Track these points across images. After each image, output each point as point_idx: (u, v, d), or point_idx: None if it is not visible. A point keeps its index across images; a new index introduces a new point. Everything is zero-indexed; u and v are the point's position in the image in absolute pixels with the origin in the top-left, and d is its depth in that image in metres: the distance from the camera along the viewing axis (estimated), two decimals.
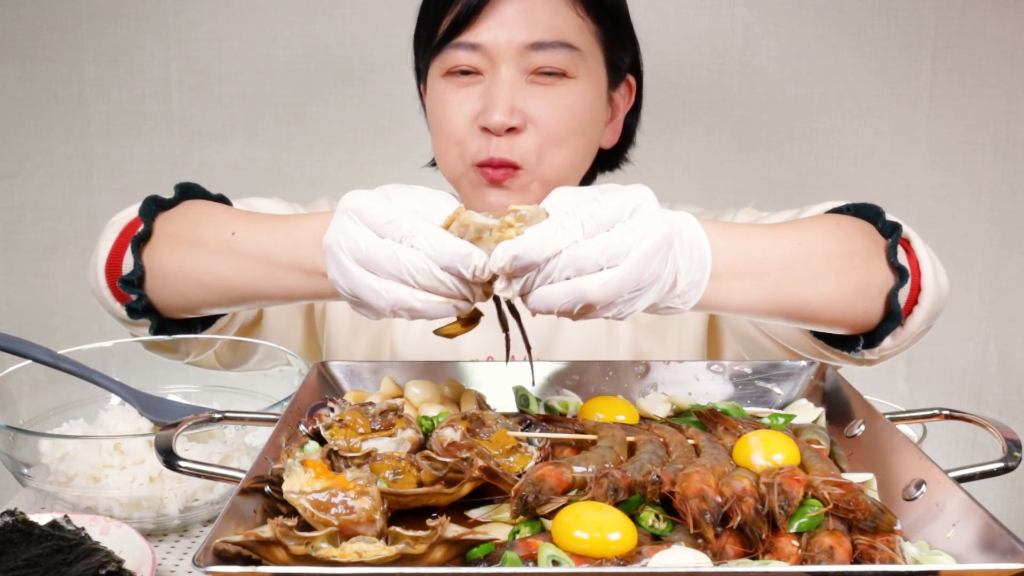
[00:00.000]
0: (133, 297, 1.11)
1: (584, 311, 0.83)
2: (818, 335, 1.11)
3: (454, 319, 0.88)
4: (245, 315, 1.28)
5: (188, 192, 1.17)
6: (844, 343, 1.09)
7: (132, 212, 1.15)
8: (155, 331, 1.14)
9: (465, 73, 1.21)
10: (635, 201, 0.83)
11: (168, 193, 1.16)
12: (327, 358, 1.29)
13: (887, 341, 1.07)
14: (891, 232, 1.07)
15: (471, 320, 0.89)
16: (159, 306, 1.13)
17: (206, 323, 1.18)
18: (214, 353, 1.23)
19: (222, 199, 1.20)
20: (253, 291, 1.05)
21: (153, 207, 1.13)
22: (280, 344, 1.22)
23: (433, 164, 1.38)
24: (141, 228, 1.11)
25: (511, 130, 1.19)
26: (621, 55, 1.28)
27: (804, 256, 1.00)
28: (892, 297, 1.04)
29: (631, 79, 1.33)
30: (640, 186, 0.86)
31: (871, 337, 1.07)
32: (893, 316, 1.05)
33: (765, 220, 1.27)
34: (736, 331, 1.31)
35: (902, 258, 1.07)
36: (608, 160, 1.38)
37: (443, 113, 1.24)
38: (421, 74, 1.33)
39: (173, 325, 1.15)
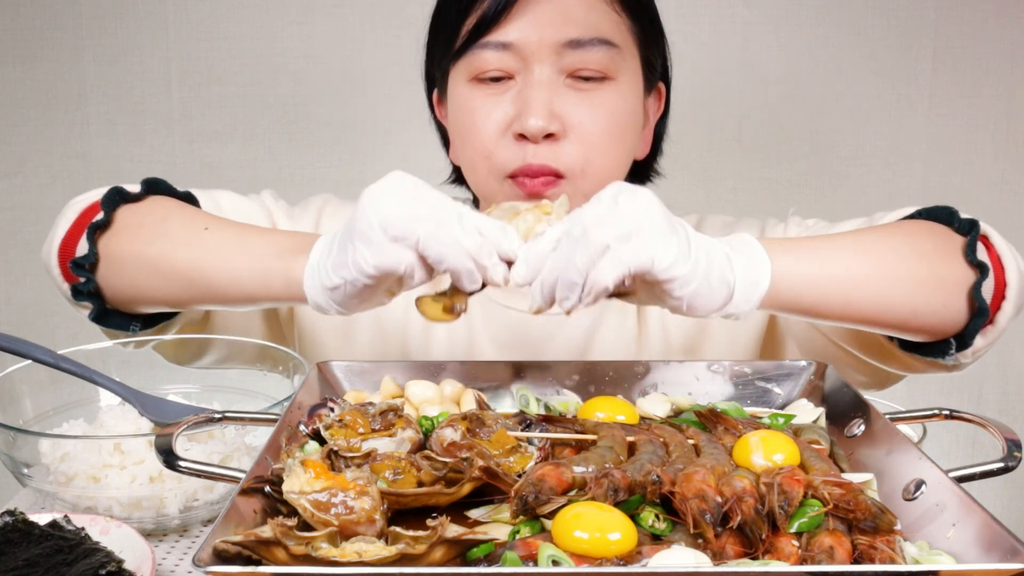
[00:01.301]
0: (81, 280, 1.08)
1: (641, 272, 0.84)
2: (905, 345, 1.07)
3: (445, 297, 0.89)
4: (191, 316, 1.22)
5: (155, 188, 1.15)
6: (934, 350, 1.05)
7: (93, 196, 1.13)
8: (94, 317, 1.11)
9: (495, 80, 1.12)
10: (614, 188, 0.86)
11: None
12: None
13: (978, 340, 1.03)
14: (969, 230, 1.04)
15: (455, 312, 0.89)
16: (107, 293, 1.10)
17: (147, 321, 1.14)
18: (158, 346, 1.20)
19: (189, 196, 1.17)
20: (207, 284, 1.02)
21: (116, 198, 1.10)
22: (235, 346, 1.20)
23: (455, 181, 1.31)
24: (100, 217, 1.09)
25: (549, 137, 1.10)
26: (655, 55, 1.21)
27: (869, 259, 0.98)
28: (975, 293, 1.00)
29: (661, 86, 1.25)
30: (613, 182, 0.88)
31: (961, 338, 1.03)
32: (980, 312, 1.01)
33: (827, 231, 1.21)
34: (805, 344, 1.23)
35: (982, 254, 1.03)
36: (638, 173, 1.29)
37: (471, 123, 1.14)
38: (436, 81, 1.23)
39: (115, 316, 1.12)
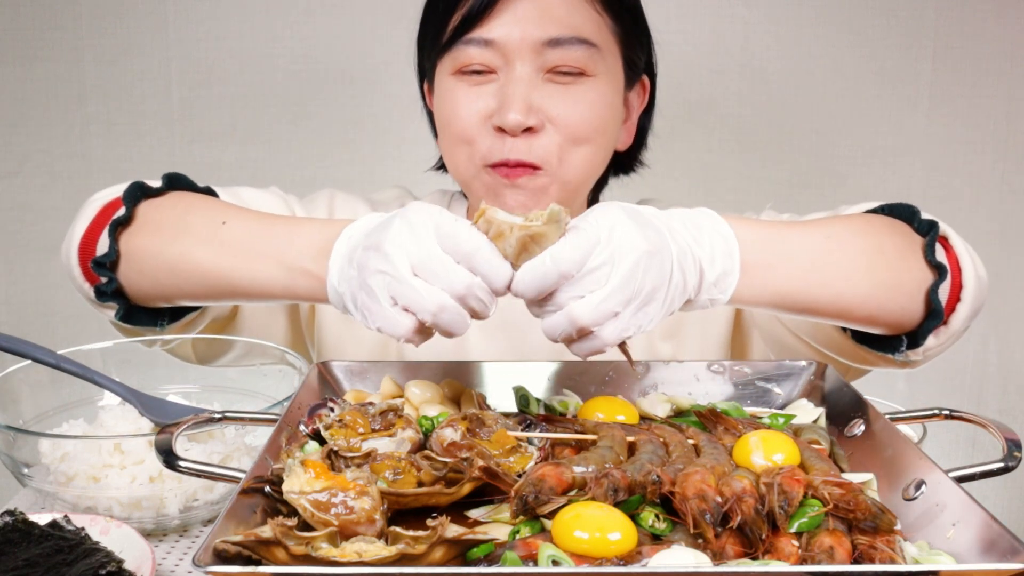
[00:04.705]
0: (103, 280, 1.08)
1: (583, 335, 0.84)
2: (858, 338, 1.08)
3: None
4: (218, 310, 1.24)
5: (176, 183, 1.15)
6: (885, 344, 1.07)
7: (114, 192, 1.13)
8: (121, 316, 1.11)
9: (478, 73, 1.17)
10: (609, 222, 0.83)
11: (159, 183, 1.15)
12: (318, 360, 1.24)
13: (930, 340, 1.04)
14: (928, 230, 1.04)
15: None
16: (130, 291, 1.10)
17: (175, 315, 1.15)
18: (191, 343, 1.21)
19: (209, 191, 1.18)
20: (227, 282, 1.02)
21: (138, 193, 1.11)
22: (256, 345, 1.20)
23: (440, 168, 1.36)
24: (122, 212, 1.09)
25: (527, 131, 1.15)
26: (638, 53, 1.25)
27: (833, 249, 0.99)
28: (932, 294, 1.01)
29: (645, 79, 1.30)
30: (610, 205, 0.86)
31: (913, 337, 1.04)
32: (935, 314, 1.02)
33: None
34: (767, 334, 1.26)
35: (940, 256, 1.04)
36: (622, 163, 1.34)
37: (452, 111, 1.19)
38: (426, 73, 1.28)
39: (141, 313, 1.13)
